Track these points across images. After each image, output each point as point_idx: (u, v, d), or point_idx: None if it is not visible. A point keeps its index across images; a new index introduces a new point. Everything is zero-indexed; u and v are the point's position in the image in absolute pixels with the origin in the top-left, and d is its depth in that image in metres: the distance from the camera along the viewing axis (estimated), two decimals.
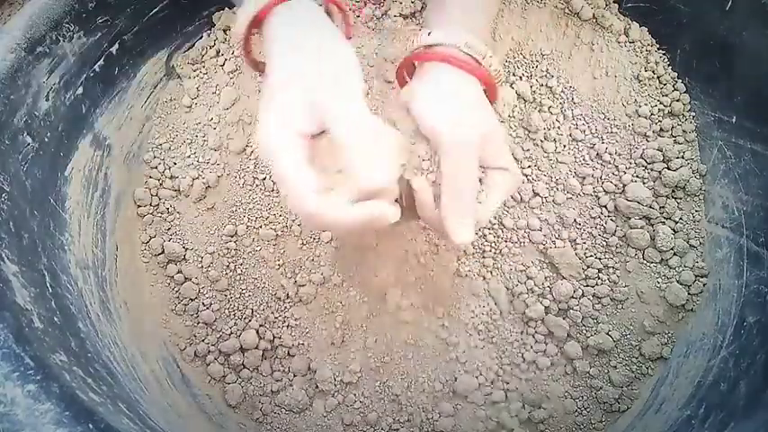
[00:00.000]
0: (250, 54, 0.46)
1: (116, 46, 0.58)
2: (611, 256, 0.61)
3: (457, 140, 0.43)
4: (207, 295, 0.62)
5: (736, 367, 0.51)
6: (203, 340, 0.61)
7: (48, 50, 0.51)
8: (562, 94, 0.63)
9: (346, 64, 0.42)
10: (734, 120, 0.58)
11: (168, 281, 0.62)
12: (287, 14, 0.43)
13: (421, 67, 0.48)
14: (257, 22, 0.43)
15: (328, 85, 0.40)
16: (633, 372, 0.60)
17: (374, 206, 0.39)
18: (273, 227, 0.62)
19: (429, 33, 0.47)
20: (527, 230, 0.61)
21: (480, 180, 0.47)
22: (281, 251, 0.62)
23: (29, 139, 0.50)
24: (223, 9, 0.67)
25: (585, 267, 0.61)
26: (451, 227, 0.43)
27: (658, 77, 0.63)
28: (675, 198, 0.61)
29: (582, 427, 0.60)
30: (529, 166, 0.62)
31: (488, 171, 0.47)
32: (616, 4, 0.64)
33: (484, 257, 0.61)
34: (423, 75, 0.48)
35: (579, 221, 0.62)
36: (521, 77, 0.63)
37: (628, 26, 0.64)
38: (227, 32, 0.67)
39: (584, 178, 0.62)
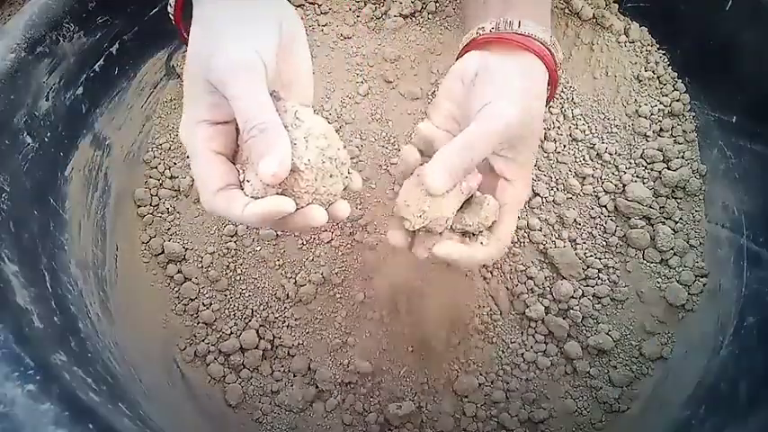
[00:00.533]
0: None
1: (116, 46, 0.58)
2: (611, 256, 0.61)
3: (490, 124, 0.41)
4: (207, 295, 0.62)
5: (736, 367, 0.51)
6: (203, 340, 0.61)
7: (48, 50, 0.51)
8: (562, 93, 0.63)
9: (254, 30, 0.38)
10: (734, 120, 0.58)
11: (168, 281, 0.62)
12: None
13: (490, 47, 0.45)
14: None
15: (224, 60, 0.36)
16: (633, 372, 0.60)
17: (269, 203, 0.36)
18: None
19: (510, 22, 0.44)
20: (527, 230, 0.61)
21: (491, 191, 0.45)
22: (281, 251, 0.62)
23: (29, 139, 0.50)
24: None
25: (585, 267, 0.61)
26: (431, 167, 0.40)
27: (658, 77, 0.63)
28: (675, 198, 0.61)
29: (582, 427, 0.60)
30: None
31: (501, 182, 0.45)
32: (616, 4, 0.64)
33: None
34: (492, 53, 0.45)
35: (579, 221, 0.62)
36: None
37: (628, 26, 0.64)
38: None
39: (584, 178, 0.62)
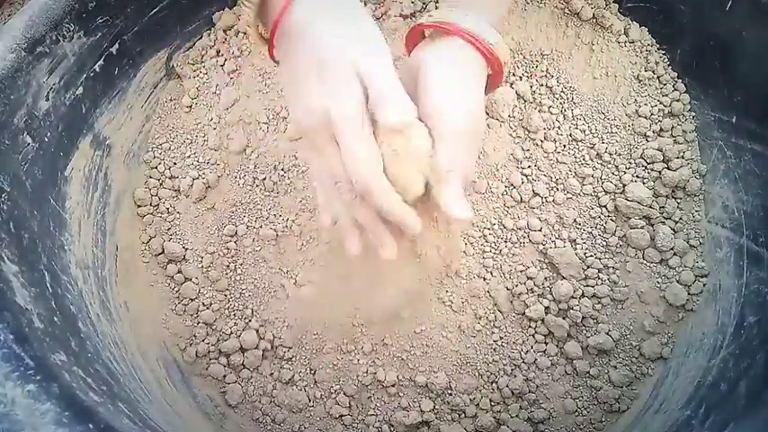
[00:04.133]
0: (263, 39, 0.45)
1: (116, 46, 0.58)
2: (611, 256, 0.61)
3: (469, 128, 0.43)
4: (207, 295, 0.62)
5: (736, 367, 0.51)
6: (203, 340, 0.61)
7: (48, 50, 0.51)
8: (562, 94, 0.63)
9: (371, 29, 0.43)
10: (734, 120, 0.58)
11: (168, 281, 0.62)
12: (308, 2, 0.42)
13: (433, 37, 0.47)
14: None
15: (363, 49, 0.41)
16: (633, 372, 0.60)
17: (407, 213, 0.43)
18: (273, 227, 0.62)
19: (450, 10, 0.46)
20: (527, 230, 0.61)
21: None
22: (281, 251, 0.62)
23: (29, 139, 0.50)
24: (223, 9, 0.67)
25: (585, 267, 0.61)
26: (451, 204, 0.44)
27: (658, 77, 0.63)
28: (675, 198, 0.61)
29: (582, 427, 0.60)
30: (529, 166, 0.62)
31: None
32: (616, 4, 0.64)
33: (484, 257, 0.61)
34: (435, 45, 0.46)
35: (579, 221, 0.62)
36: (521, 77, 0.63)
37: (628, 26, 0.64)
38: (227, 32, 0.67)
39: (584, 178, 0.62)
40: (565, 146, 0.62)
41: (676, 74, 0.63)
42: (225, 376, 0.61)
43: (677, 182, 0.60)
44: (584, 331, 0.60)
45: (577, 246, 0.61)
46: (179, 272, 0.62)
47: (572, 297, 0.60)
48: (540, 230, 0.61)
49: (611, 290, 0.60)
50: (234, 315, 0.61)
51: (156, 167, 0.64)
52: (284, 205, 0.62)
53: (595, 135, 0.62)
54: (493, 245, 0.61)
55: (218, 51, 0.66)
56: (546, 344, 0.61)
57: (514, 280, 0.61)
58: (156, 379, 0.56)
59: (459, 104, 0.44)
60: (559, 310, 0.60)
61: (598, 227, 0.61)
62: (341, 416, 0.60)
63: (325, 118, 0.41)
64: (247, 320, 0.61)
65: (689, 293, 0.60)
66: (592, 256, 0.61)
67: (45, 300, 0.46)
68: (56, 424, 0.37)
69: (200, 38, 0.67)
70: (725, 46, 0.58)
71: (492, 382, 0.60)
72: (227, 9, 0.67)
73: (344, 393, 0.61)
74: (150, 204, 0.63)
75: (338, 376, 0.61)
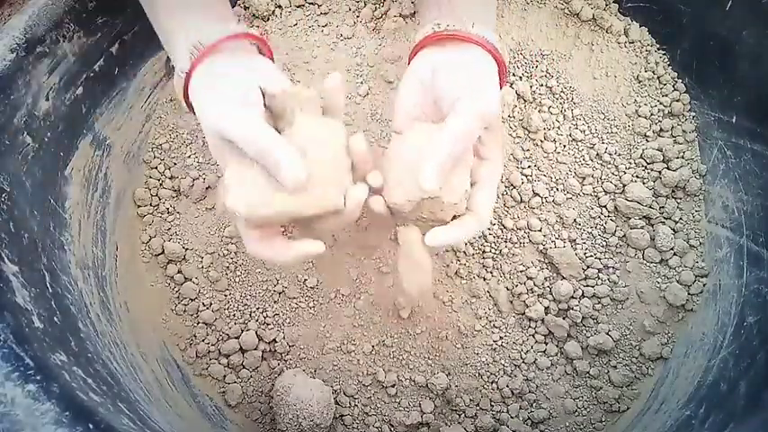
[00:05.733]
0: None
1: (116, 46, 0.58)
2: (611, 256, 0.61)
3: (478, 109, 0.43)
4: (207, 295, 0.62)
5: (736, 367, 0.51)
6: (203, 340, 0.61)
7: (48, 50, 0.51)
8: (562, 94, 0.63)
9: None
10: (734, 120, 0.58)
11: (168, 281, 0.62)
12: (205, 71, 0.44)
13: (443, 44, 0.47)
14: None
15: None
16: (633, 372, 0.60)
17: (301, 247, 0.43)
18: None
19: (447, 25, 0.47)
20: (527, 230, 0.61)
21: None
22: None
23: (29, 139, 0.50)
24: None
25: (585, 267, 0.61)
26: (425, 169, 0.42)
27: (658, 77, 0.63)
28: (675, 198, 0.61)
29: (582, 427, 0.60)
30: (529, 166, 0.62)
31: (475, 160, 0.46)
32: (616, 5, 0.64)
33: (484, 257, 0.61)
34: (449, 50, 0.47)
35: (579, 221, 0.62)
36: (521, 77, 0.63)
37: (628, 26, 0.64)
38: None
39: (584, 178, 0.62)
40: (565, 146, 0.62)
41: (676, 74, 0.63)
42: (225, 376, 0.61)
43: (677, 182, 0.60)
44: (584, 331, 0.60)
45: (577, 246, 0.61)
46: (179, 272, 0.62)
47: (572, 297, 0.60)
48: (540, 230, 0.61)
49: (611, 290, 0.60)
50: (234, 315, 0.61)
51: (156, 167, 0.64)
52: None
53: (595, 135, 0.62)
54: (493, 245, 0.61)
55: None
56: (546, 344, 0.61)
57: (514, 280, 0.61)
58: (156, 379, 0.56)
59: (488, 96, 0.45)
60: (559, 310, 0.60)
61: (598, 227, 0.61)
62: (341, 416, 0.60)
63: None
64: (247, 321, 0.61)
65: (689, 293, 0.60)
66: (592, 256, 0.61)
67: (45, 300, 0.46)
68: (56, 424, 0.37)
69: None
70: (725, 46, 0.58)
71: (492, 382, 0.60)
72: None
73: (344, 393, 0.61)
74: (150, 204, 0.63)
75: (338, 376, 0.61)
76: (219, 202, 0.45)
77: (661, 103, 0.62)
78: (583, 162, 0.62)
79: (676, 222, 0.61)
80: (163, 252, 0.62)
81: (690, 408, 0.53)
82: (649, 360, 0.60)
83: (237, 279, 0.62)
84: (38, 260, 0.48)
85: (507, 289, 0.61)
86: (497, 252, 0.61)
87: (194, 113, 0.45)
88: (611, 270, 0.61)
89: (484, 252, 0.61)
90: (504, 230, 0.61)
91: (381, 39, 0.64)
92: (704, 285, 0.60)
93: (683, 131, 0.62)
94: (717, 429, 0.48)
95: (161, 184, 0.63)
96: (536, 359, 0.60)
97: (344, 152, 0.43)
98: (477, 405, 0.60)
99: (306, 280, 0.61)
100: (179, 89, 0.45)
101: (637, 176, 0.61)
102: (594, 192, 0.62)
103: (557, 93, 0.63)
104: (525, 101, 0.63)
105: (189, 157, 0.64)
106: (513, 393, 0.60)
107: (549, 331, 0.61)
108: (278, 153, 0.40)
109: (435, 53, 0.47)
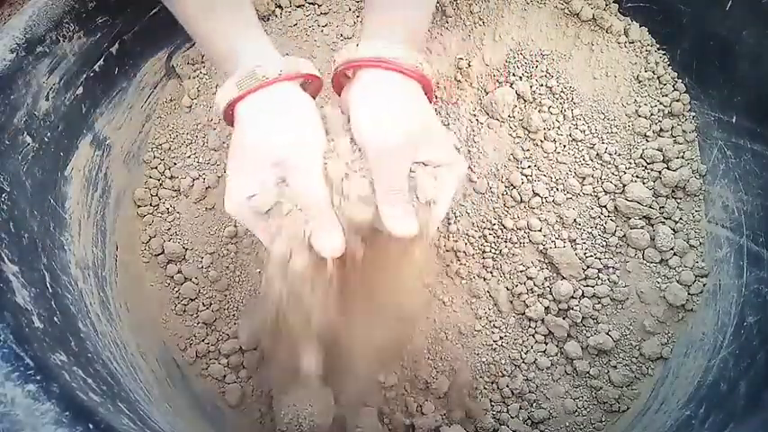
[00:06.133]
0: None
1: (116, 46, 0.58)
2: (611, 256, 0.61)
3: (380, 145, 0.43)
4: (207, 295, 0.62)
5: (736, 367, 0.51)
6: (203, 340, 0.61)
7: (48, 50, 0.51)
8: (562, 94, 0.63)
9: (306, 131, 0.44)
10: (734, 120, 0.58)
11: (168, 281, 0.62)
12: (262, 100, 0.44)
13: (355, 75, 0.47)
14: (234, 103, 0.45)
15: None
16: (633, 372, 0.60)
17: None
18: None
19: (357, 45, 0.47)
20: (527, 230, 0.61)
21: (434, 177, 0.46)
22: None
23: (29, 139, 0.50)
24: None
25: (585, 267, 0.61)
26: (391, 222, 0.43)
27: (658, 77, 0.63)
28: (675, 198, 0.61)
29: (582, 427, 0.60)
30: (529, 167, 0.62)
31: (436, 169, 0.46)
32: (616, 5, 0.64)
33: (484, 258, 0.61)
34: (357, 81, 0.47)
35: (579, 221, 0.62)
36: (521, 77, 0.63)
37: (628, 26, 0.64)
38: None
39: (584, 178, 0.62)
40: (565, 146, 0.62)
41: (676, 74, 0.63)
42: (225, 376, 0.61)
43: (677, 182, 0.60)
44: (585, 331, 0.60)
45: (577, 246, 0.61)
46: (179, 272, 0.62)
47: (572, 297, 0.60)
48: (540, 230, 0.61)
49: (611, 290, 0.60)
50: (234, 315, 0.61)
51: (156, 167, 0.64)
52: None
53: (595, 135, 0.62)
54: (493, 245, 0.61)
55: None
56: (546, 344, 0.61)
57: (514, 280, 0.61)
58: (156, 379, 0.56)
59: (386, 125, 0.44)
60: (559, 310, 0.60)
61: (598, 227, 0.61)
62: (341, 416, 0.60)
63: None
64: None
65: (689, 293, 0.60)
66: (592, 256, 0.61)
67: (45, 300, 0.46)
68: (56, 424, 0.37)
69: None
70: (725, 46, 0.58)
71: (492, 382, 0.60)
72: None
73: (345, 393, 0.60)
74: (150, 204, 0.63)
75: (338, 377, 0.61)
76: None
77: (661, 103, 0.62)
78: (583, 162, 0.62)
79: (676, 222, 0.61)
80: (163, 252, 0.62)
81: (690, 408, 0.53)
82: (649, 360, 0.60)
83: (237, 279, 0.62)
84: (38, 260, 0.48)
85: (507, 289, 0.61)
86: (497, 252, 0.61)
87: (232, 126, 0.45)
88: (611, 270, 0.61)
89: (484, 252, 0.61)
90: (504, 230, 0.61)
91: None
92: (704, 285, 0.60)
93: (683, 131, 0.62)
94: (717, 429, 0.48)
95: (161, 184, 0.63)
96: (536, 359, 0.60)
97: None
98: (478, 404, 0.60)
99: None
100: (225, 102, 0.45)
101: (637, 176, 0.61)
102: (594, 192, 0.62)
103: (557, 93, 0.63)
104: (525, 101, 0.63)
105: (189, 157, 0.64)
106: (513, 393, 0.60)
107: (549, 331, 0.61)
108: (329, 219, 0.42)
109: (350, 87, 0.47)
